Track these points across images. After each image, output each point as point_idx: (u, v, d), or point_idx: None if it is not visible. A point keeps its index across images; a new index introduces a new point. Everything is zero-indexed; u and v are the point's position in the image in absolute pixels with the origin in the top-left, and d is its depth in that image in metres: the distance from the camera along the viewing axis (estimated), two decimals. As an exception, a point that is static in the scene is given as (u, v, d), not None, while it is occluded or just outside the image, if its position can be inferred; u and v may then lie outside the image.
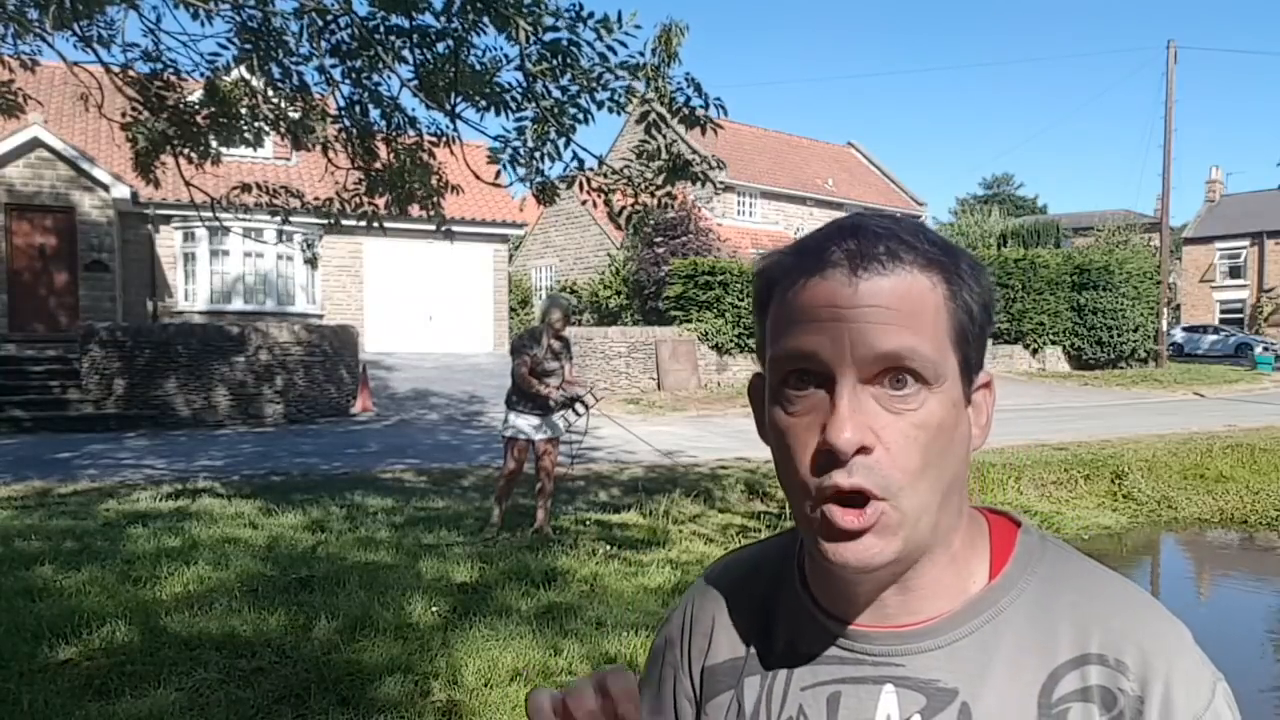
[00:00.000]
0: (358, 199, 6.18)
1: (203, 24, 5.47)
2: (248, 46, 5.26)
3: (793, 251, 0.70)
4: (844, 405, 0.63)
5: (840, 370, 0.64)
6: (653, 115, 4.85)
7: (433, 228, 6.43)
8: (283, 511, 6.76)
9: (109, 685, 3.50)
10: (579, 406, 6.42)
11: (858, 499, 0.64)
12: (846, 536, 0.65)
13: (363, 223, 6.42)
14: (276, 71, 5.51)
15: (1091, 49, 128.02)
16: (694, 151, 5.33)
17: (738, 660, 0.79)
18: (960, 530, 0.71)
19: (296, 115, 5.81)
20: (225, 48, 5.46)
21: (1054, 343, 24.30)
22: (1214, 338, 35.50)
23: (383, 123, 5.62)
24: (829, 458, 0.64)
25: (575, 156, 5.13)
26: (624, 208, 5.16)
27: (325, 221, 6.48)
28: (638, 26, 4.47)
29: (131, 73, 5.92)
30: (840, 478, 0.64)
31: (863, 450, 0.63)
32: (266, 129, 6.06)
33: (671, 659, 0.84)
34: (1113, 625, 0.67)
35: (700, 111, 4.80)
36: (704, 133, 4.88)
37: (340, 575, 5.01)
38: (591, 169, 5.23)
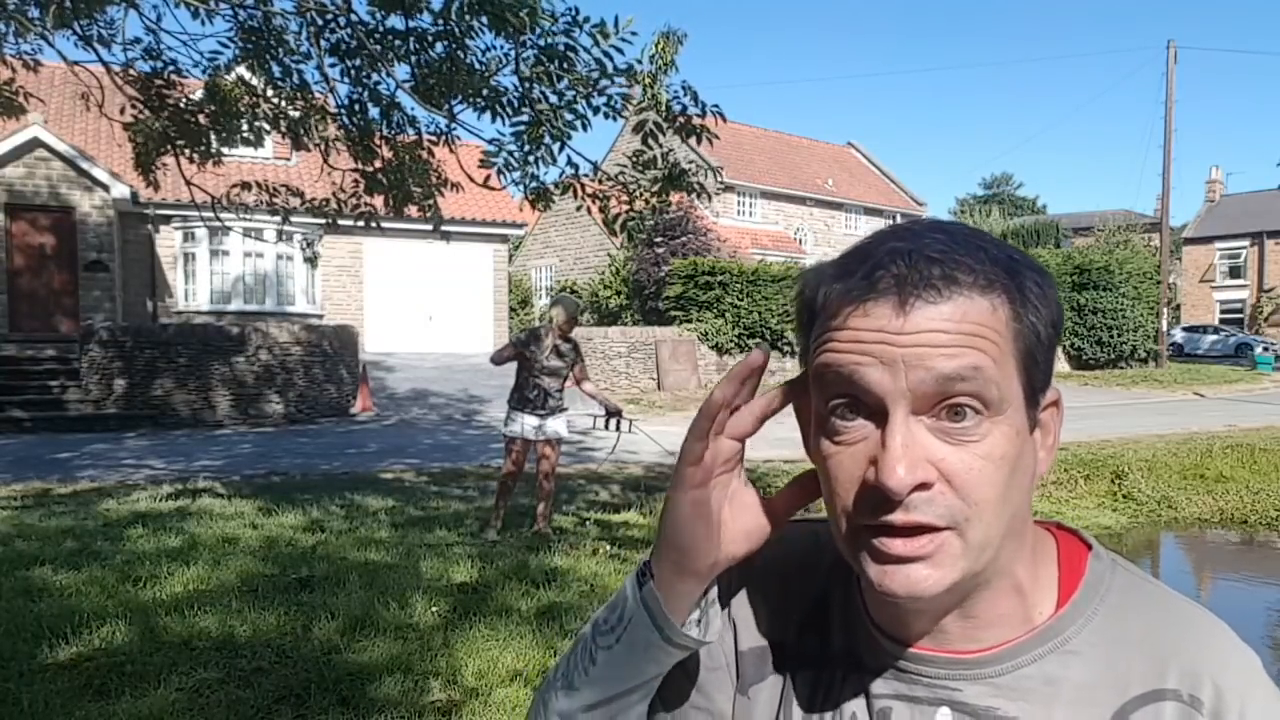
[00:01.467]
0: (355, 198, 6.18)
1: (203, 23, 5.48)
2: (248, 45, 5.26)
3: (838, 270, 0.63)
4: (896, 442, 0.58)
5: (893, 402, 0.59)
6: (650, 124, 4.84)
7: (431, 227, 6.43)
8: (283, 511, 6.76)
9: (109, 685, 3.50)
10: (614, 423, 6.48)
11: (914, 529, 0.60)
12: (896, 561, 0.60)
13: (360, 222, 6.42)
14: (277, 70, 5.51)
15: (1091, 49, 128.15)
16: (696, 156, 5.34)
17: (773, 650, 0.75)
18: (1024, 559, 0.67)
19: (297, 115, 5.82)
20: (226, 46, 5.46)
21: (1054, 342, 24.31)
22: (1214, 338, 35.52)
23: (382, 121, 5.62)
24: (881, 497, 0.59)
25: (570, 161, 5.13)
26: (618, 214, 5.15)
27: (324, 221, 6.48)
28: (634, 33, 4.46)
29: (132, 72, 5.92)
30: (896, 516, 0.59)
31: (921, 487, 0.59)
32: (267, 128, 6.06)
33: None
34: (1188, 659, 0.64)
35: (697, 120, 4.81)
36: (699, 143, 4.88)
37: (340, 575, 5.01)
38: (586, 175, 5.22)
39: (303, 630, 4.13)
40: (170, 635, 3.99)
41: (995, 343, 0.60)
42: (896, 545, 0.60)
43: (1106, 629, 0.66)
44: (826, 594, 0.74)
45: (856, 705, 0.70)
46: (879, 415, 0.60)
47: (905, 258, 0.60)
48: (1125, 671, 0.65)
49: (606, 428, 6.62)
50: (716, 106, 4.83)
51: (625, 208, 5.18)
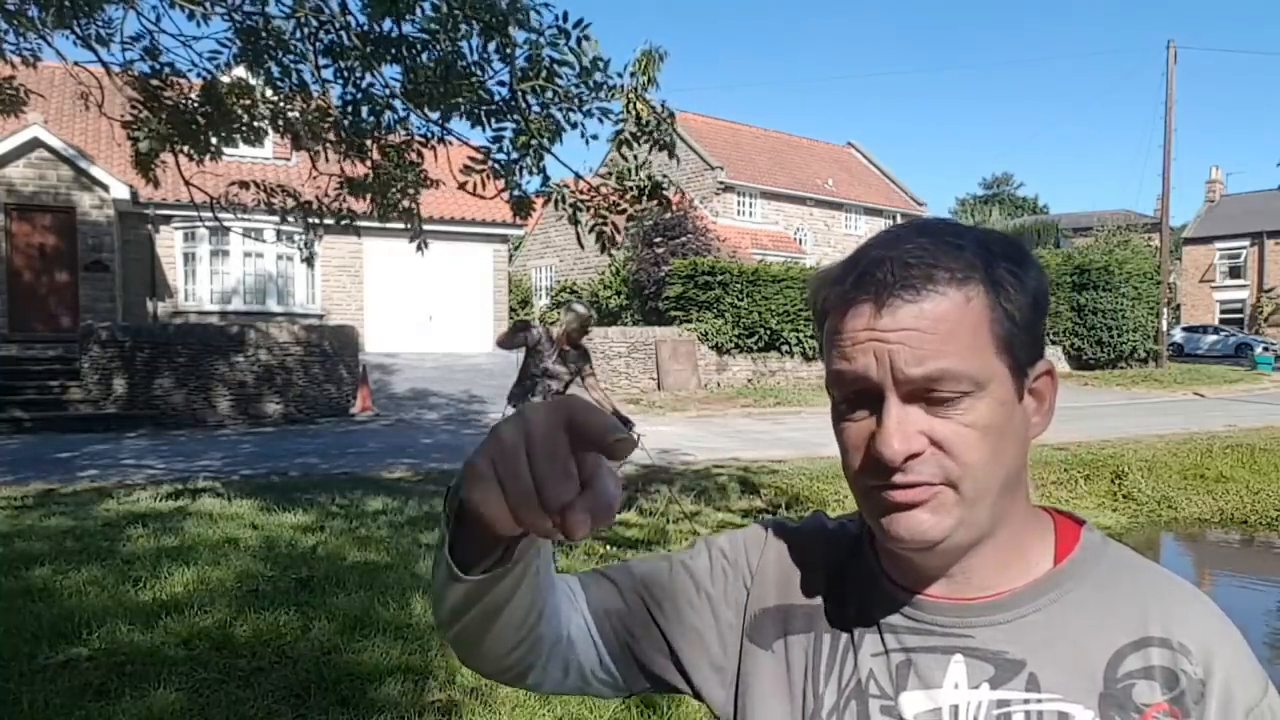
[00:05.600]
0: (339, 200, 6.21)
1: (199, 24, 5.48)
2: (246, 46, 5.26)
3: (839, 274, 0.73)
4: (890, 420, 0.68)
5: (886, 386, 0.68)
6: (627, 133, 4.94)
7: (432, 229, 6.45)
8: (282, 511, 6.76)
9: (109, 685, 3.50)
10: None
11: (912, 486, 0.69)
12: (899, 509, 0.69)
13: (345, 221, 6.46)
14: (275, 70, 5.51)
15: (1091, 49, 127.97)
16: (696, 154, 5.42)
17: (802, 612, 0.81)
18: (1021, 515, 0.75)
19: (296, 115, 5.82)
20: (225, 46, 5.46)
21: (1054, 343, 24.30)
22: (1214, 338, 35.46)
23: (375, 122, 5.63)
24: (881, 465, 0.68)
25: (544, 172, 5.22)
26: (593, 225, 5.18)
27: (318, 221, 6.49)
28: (598, 59, 4.58)
29: (131, 72, 5.92)
30: (897, 478, 0.68)
31: (913, 457, 0.68)
32: (266, 128, 6.05)
33: (731, 573, 0.84)
34: (1173, 613, 0.72)
35: (666, 137, 4.92)
36: (671, 157, 5.04)
37: (339, 575, 5.01)
38: (567, 184, 5.29)
39: (302, 630, 4.13)
40: (171, 635, 3.99)
41: (970, 334, 0.68)
42: (897, 494, 0.69)
43: (1102, 585, 0.74)
44: (843, 567, 0.82)
45: (874, 663, 0.76)
46: (878, 400, 0.69)
47: (889, 263, 0.69)
48: (1117, 621, 0.72)
49: None
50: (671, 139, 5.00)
51: (600, 221, 5.21)
